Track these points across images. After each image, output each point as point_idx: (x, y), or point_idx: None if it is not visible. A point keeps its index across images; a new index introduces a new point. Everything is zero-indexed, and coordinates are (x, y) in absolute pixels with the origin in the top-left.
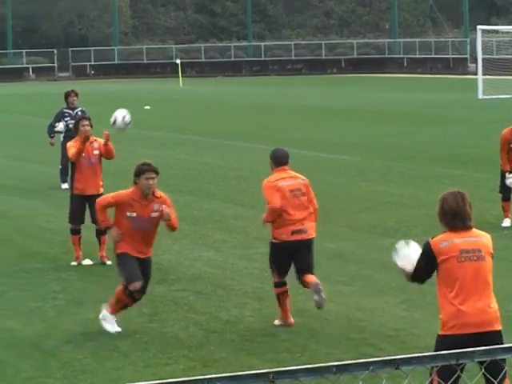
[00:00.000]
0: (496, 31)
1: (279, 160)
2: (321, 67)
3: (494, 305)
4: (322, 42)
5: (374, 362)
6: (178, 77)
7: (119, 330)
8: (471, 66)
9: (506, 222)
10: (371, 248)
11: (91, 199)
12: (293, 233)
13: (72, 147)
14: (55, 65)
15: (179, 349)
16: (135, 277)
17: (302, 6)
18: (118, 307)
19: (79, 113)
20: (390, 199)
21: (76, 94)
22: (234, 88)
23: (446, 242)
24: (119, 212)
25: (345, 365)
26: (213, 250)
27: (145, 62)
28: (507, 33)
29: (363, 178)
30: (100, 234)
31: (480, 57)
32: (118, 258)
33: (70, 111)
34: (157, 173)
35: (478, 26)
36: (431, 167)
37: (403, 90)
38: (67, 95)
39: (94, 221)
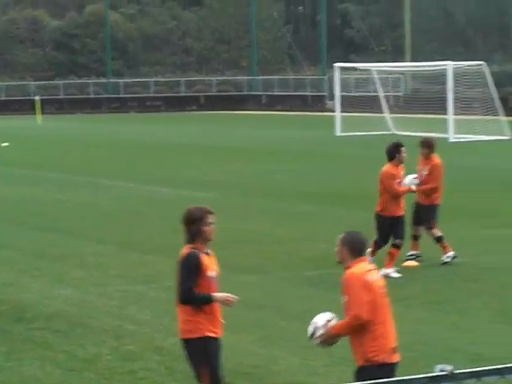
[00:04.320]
0: (354, 68)
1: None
2: (180, 104)
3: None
4: (181, 79)
5: None
6: (37, 113)
7: None
8: (329, 103)
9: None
10: (230, 285)
11: None
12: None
13: None
14: None
15: None
16: None
17: (160, 43)
18: None
19: None
20: (249, 236)
21: None
22: (93, 125)
23: None
24: None
25: None
26: (71, 288)
27: (3, 98)
28: (365, 70)
29: (223, 215)
30: None
31: (338, 94)
32: None
33: None
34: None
35: (336, 64)
36: (290, 204)
37: (263, 127)
38: None
39: None
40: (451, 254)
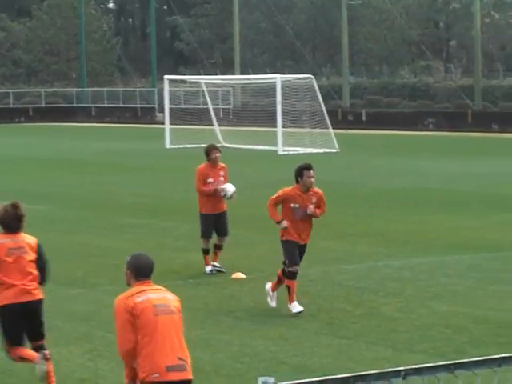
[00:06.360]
0: (184, 81)
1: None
2: (8, 116)
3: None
4: (10, 91)
5: None
6: None
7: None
8: (159, 115)
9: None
10: (58, 299)
11: None
12: None
13: None
14: None
15: None
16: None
17: None
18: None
19: None
20: (76, 249)
21: None
22: None
23: None
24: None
25: None
26: None
27: None
28: (194, 83)
29: (52, 227)
30: None
31: (167, 106)
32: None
33: None
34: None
35: (165, 76)
36: (118, 216)
37: (92, 139)
38: None
39: None
40: (210, 268)
